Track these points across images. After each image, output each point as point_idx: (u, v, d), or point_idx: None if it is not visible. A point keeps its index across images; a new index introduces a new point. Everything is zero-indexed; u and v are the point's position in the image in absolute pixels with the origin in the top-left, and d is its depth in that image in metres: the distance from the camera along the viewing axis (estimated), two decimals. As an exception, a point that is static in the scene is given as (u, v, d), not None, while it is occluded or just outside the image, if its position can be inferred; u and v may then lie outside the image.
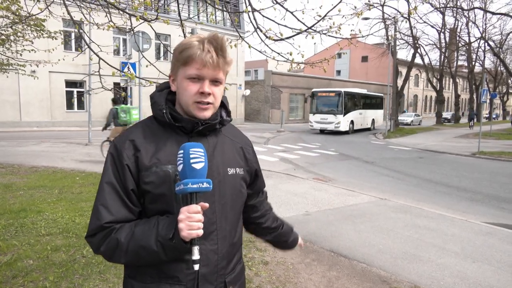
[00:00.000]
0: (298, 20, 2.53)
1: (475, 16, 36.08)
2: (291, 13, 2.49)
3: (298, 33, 2.44)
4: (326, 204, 6.53)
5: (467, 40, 36.87)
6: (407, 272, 3.88)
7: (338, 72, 53.74)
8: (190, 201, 1.04)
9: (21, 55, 7.96)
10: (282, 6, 2.41)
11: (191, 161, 1.03)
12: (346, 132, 23.94)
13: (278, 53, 2.62)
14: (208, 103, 1.15)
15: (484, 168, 11.54)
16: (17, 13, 6.18)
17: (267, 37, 2.46)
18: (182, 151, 1.05)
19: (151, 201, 1.14)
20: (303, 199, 6.84)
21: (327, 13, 2.31)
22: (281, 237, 1.58)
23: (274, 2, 2.48)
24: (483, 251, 4.51)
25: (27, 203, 5.51)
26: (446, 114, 45.76)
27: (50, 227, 4.47)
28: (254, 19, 2.39)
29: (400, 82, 31.85)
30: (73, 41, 21.53)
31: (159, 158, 1.14)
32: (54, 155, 11.04)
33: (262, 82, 35.62)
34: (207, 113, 1.17)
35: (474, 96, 41.36)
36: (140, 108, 12.38)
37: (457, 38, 36.61)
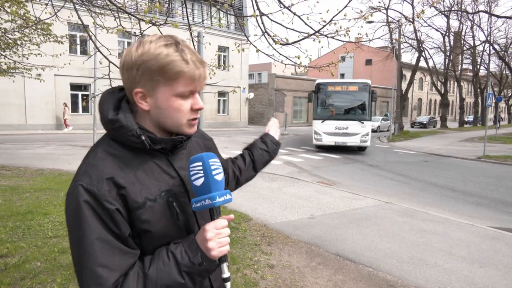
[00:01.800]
0: (306, 24, 2.54)
1: (480, 19, 35.98)
2: (299, 17, 2.50)
3: (305, 37, 2.46)
4: (331, 208, 6.51)
5: (472, 44, 36.79)
6: (413, 277, 3.86)
7: (342, 75, 53.72)
8: (212, 217, 0.97)
9: (27, 58, 8.05)
10: (290, 10, 2.43)
11: (213, 172, 0.96)
12: (363, 148, 15.91)
13: (286, 57, 2.64)
14: (196, 117, 1.05)
15: (490, 172, 11.47)
16: (24, 17, 6.25)
17: (275, 41, 2.48)
18: (200, 163, 0.96)
19: (152, 240, 0.98)
20: (308, 203, 6.83)
21: (333, 18, 2.33)
22: (259, 157, 1.54)
23: (282, 6, 2.50)
24: (490, 256, 4.48)
25: (34, 205, 5.55)
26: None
27: (57, 229, 4.49)
28: (262, 23, 2.41)
29: (404, 85, 31.83)
30: (78, 45, 21.69)
31: (148, 190, 0.97)
32: (60, 158, 11.10)
33: (266, 85, 35.69)
34: (196, 127, 1.08)
35: (479, 100, 41.18)
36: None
37: (462, 41, 36.55)
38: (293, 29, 2.50)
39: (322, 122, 15.18)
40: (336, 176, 10.16)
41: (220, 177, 0.97)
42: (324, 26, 2.36)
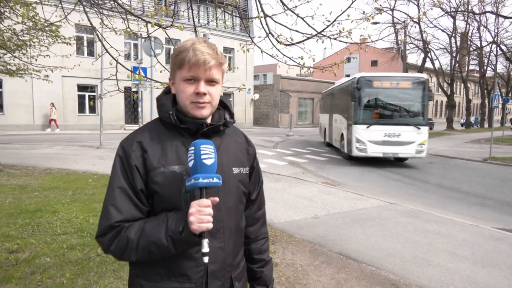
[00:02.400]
0: (309, 25, 2.60)
1: (486, 20, 35.68)
2: (302, 18, 2.56)
3: (308, 38, 2.51)
4: (335, 208, 6.55)
5: (479, 45, 36.53)
6: (416, 276, 3.89)
7: (347, 76, 53.59)
8: (200, 196, 1.08)
9: (36, 60, 8.19)
10: (293, 12, 2.49)
11: (202, 157, 1.07)
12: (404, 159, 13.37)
13: (290, 58, 2.69)
14: (204, 102, 1.19)
15: (496, 174, 11.41)
16: (33, 20, 6.38)
17: (278, 42, 2.53)
18: (193, 148, 1.09)
19: (159, 201, 1.17)
20: (312, 203, 6.87)
21: (336, 19, 2.38)
22: (254, 277, 1.46)
23: (286, 8, 2.56)
24: (493, 257, 4.49)
25: (43, 203, 5.65)
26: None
27: (65, 227, 4.59)
28: (266, 24, 2.47)
29: (410, 86, 31.62)
30: (85, 47, 21.92)
31: (166, 159, 1.17)
32: (67, 158, 11.25)
33: (271, 86, 35.75)
34: (205, 112, 1.21)
35: (486, 101, 40.88)
36: (151, 112, 12.57)
37: (468, 42, 36.31)
38: (296, 31, 2.55)
39: (367, 127, 11.69)
40: (341, 177, 10.18)
41: (209, 162, 1.08)
42: (327, 27, 2.42)
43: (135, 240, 1.10)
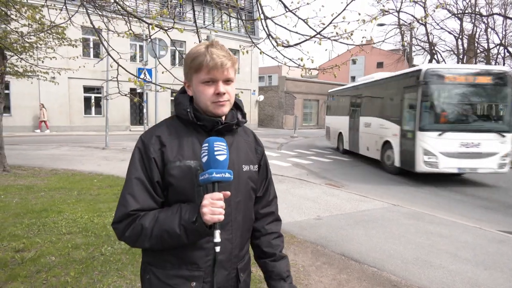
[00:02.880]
0: (310, 27, 2.63)
1: (494, 22, 35.29)
2: (303, 20, 2.59)
3: (305, 40, 2.54)
4: (338, 209, 6.56)
5: (486, 47, 36.22)
6: (417, 278, 3.90)
7: (353, 78, 53.47)
8: (213, 190, 1.15)
9: (42, 62, 8.30)
10: (294, 14, 2.52)
11: (215, 153, 1.14)
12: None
13: (290, 59, 2.73)
14: (224, 100, 1.28)
15: (501, 176, 11.31)
16: (40, 22, 6.48)
17: (277, 43, 2.57)
18: (206, 144, 1.16)
19: (173, 193, 1.25)
20: (315, 204, 6.89)
21: (332, 20, 2.42)
22: (267, 271, 1.48)
23: (287, 9, 2.59)
24: (495, 259, 4.48)
25: (48, 203, 5.73)
26: None
27: (70, 226, 4.65)
28: (266, 26, 2.51)
29: (415, 88, 31.44)
30: (91, 48, 22.12)
31: (182, 153, 1.25)
32: (73, 159, 11.36)
33: (276, 87, 35.78)
34: (225, 109, 1.30)
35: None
36: (156, 113, 12.65)
37: (476, 44, 36.06)
38: (296, 32, 2.59)
39: (439, 135, 9.06)
40: (345, 178, 10.18)
41: (222, 157, 1.15)
42: (323, 29, 2.45)
43: (149, 228, 1.17)
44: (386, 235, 5.21)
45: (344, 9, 2.34)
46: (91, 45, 22.03)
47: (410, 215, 6.30)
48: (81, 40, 8.27)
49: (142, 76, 11.99)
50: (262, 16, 2.51)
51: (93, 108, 23.20)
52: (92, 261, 3.61)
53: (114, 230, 1.24)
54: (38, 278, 3.21)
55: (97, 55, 22.28)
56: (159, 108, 24.32)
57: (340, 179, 9.97)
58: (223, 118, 1.34)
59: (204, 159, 1.16)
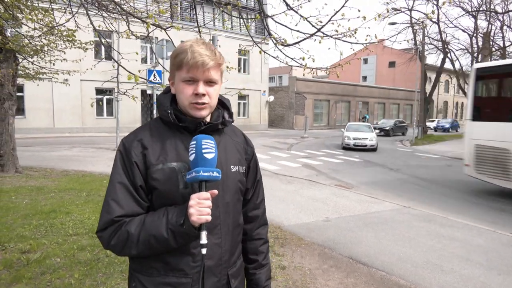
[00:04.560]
0: (312, 25, 2.57)
1: (510, 19, 34.57)
2: (305, 18, 2.53)
3: (305, 38, 2.48)
4: (347, 211, 6.46)
5: (502, 45, 35.43)
6: (428, 282, 3.79)
7: (364, 77, 52.97)
8: (200, 189, 1.11)
9: (53, 64, 8.41)
10: (296, 12, 2.47)
11: (203, 151, 1.10)
12: None
13: (292, 58, 2.67)
14: (204, 103, 1.21)
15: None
16: (50, 25, 6.55)
17: (277, 41, 2.51)
18: (194, 142, 1.12)
19: (158, 197, 1.20)
20: (324, 205, 6.80)
21: (331, 17, 2.35)
22: (247, 279, 1.46)
23: (289, 7, 2.54)
24: (510, 263, 4.33)
25: (57, 204, 5.78)
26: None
27: (77, 228, 4.67)
28: (267, 24, 2.45)
29: (428, 88, 31.02)
30: (103, 51, 22.39)
31: (165, 156, 1.20)
32: (84, 160, 11.49)
33: (286, 88, 35.65)
34: (203, 112, 1.23)
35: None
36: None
37: (491, 42, 35.29)
38: (298, 31, 2.53)
39: None
40: (355, 179, 10.04)
41: (210, 156, 1.11)
42: (323, 25, 2.38)
43: (136, 234, 1.12)
44: (396, 238, 5.10)
45: (343, 6, 2.27)
46: (102, 47, 22.28)
47: (421, 217, 6.16)
48: (91, 43, 8.32)
49: (151, 78, 12.07)
50: (262, 15, 2.46)
51: (105, 110, 23.46)
52: (96, 263, 3.61)
53: (99, 239, 1.18)
54: (42, 280, 3.22)
55: (109, 58, 22.55)
56: (170, 109, 24.39)
57: (350, 180, 9.84)
58: (208, 118, 1.29)
59: (192, 157, 1.12)
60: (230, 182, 1.29)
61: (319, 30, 2.38)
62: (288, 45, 2.52)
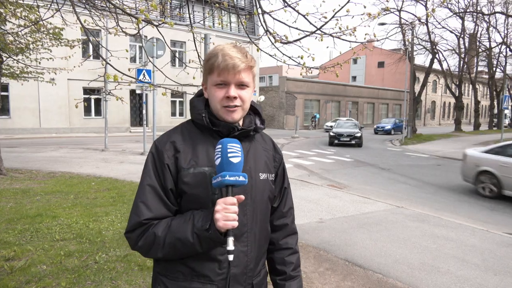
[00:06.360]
0: (310, 23, 2.48)
1: (496, 21, 35.18)
2: (303, 16, 2.44)
3: (306, 36, 2.39)
4: (341, 212, 6.40)
5: (488, 46, 36.01)
6: (425, 284, 3.74)
7: (354, 77, 53.32)
8: (226, 194, 1.08)
9: (39, 63, 8.17)
10: (293, 8, 2.37)
11: (229, 155, 1.08)
12: None
13: (289, 57, 2.58)
14: (235, 106, 1.20)
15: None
16: (35, 22, 6.35)
17: (276, 40, 2.42)
18: (220, 146, 1.10)
19: (187, 201, 1.18)
20: (317, 206, 6.73)
21: (335, 14, 2.26)
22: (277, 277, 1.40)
23: (285, 4, 2.44)
24: (505, 263, 4.31)
25: (43, 208, 5.59)
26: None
27: (64, 232, 4.50)
28: (264, 21, 2.36)
29: (417, 88, 31.30)
30: (91, 50, 22.02)
31: (196, 160, 1.18)
32: (72, 161, 11.23)
33: (277, 88, 35.65)
34: (235, 115, 1.22)
35: (495, 103, 40.31)
36: (154, 114, 12.50)
37: (477, 43, 35.83)
38: (296, 28, 2.44)
39: None
40: (347, 179, 10.02)
41: (235, 160, 1.08)
42: (325, 23, 2.30)
43: (162, 237, 1.12)
44: (391, 239, 5.06)
45: (348, 1, 2.19)
46: (90, 46, 21.91)
47: (414, 217, 6.14)
48: (78, 41, 8.10)
49: (141, 77, 11.87)
50: (259, 11, 2.36)
51: (93, 110, 23.09)
52: (85, 270, 3.46)
53: (127, 240, 1.18)
54: (27, 288, 3.06)
55: (97, 56, 22.19)
56: (160, 109, 24.25)
57: (342, 180, 9.81)
58: (240, 123, 1.27)
59: (217, 162, 1.10)
60: (258, 190, 1.27)
61: (321, 26, 2.29)
62: (289, 43, 2.42)
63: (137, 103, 24.92)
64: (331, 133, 19.94)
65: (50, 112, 21.06)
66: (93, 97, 22.47)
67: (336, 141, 19.39)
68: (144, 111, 13.37)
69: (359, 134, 19.34)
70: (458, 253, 4.59)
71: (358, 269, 4.07)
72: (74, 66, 9.38)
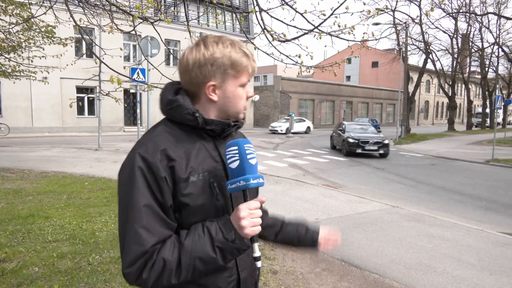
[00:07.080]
0: (308, 21, 2.45)
1: (488, 21, 35.43)
2: (301, 14, 2.41)
3: (305, 33, 2.36)
4: (336, 211, 6.39)
5: (480, 46, 36.35)
6: (421, 284, 3.73)
7: (348, 77, 53.51)
8: (244, 198, 1.03)
9: (31, 61, 8.04)
10: (291, 6, 2.34)
11: (248, 156, 1.02)
12: None
13: (287, 56, 2.54)
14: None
15: (499, 176, 11.24)
16: (27, 19, 6.25)
17: (273, 38, 2.39)
18: (236, 148, 1.04)
19: (189, 214, 1.05)
20: (313, 206, 6.71)
21: (334, 11, 2.23)
22: (289, 234, 1.44)
23: (283, 2, 2.41)
24: (501, 263, 4.33)
25: (36, 208, 5.50)
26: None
27: (57, 234, 4.43)
28: (262, 19, 2.32)
29: (411, 88, 31.47)
30: (84, 48, 21.82)
31: (193, 166, 1.05)
32: (65, 160, 11.10)
33: (271, 87, 35.64)
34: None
35: (487, 103, 40.71)
36: (148, 113, 12.40)
37: (470, 43, 36.13)
38: (294, 26, 2.41)
39: None
40: (342, 179, 10.03)
41: (254, 161, 1.04)
42: (323, 21, 2.27)
43: (174, 260, 0.97)
44: (387, 239, 5.05)
45: (345, 1, 2.15)
46: (84, 44, 21.71)
47: (410, 217, 6.15)
48: (71, 39, 7.99)
49: (135, 76, 11.76)
50: (257, 9, 2.32)
51: (86, 109, 22.88)
52: (78, 272, 3.40)
53: (127, 276, 0.98)
54: (18, 291, 3.00)
55: (90, 55, 21.99)
56: (154, 108, 24.09)
57: (337, 180, 9.81)
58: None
59: (234, 165, 1.02)
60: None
61: (320, 24, 2.26)
62: (287, 41, 2.39)
63: (131, 102, 24.75)
64: (350, 140, 14.93)
65: (42, 111, 20.83)
66: (87, 96, 22.28)
67: (359, 150, 14.75)
68: (138, 110, 13.26)
69: (387, 141, 15.23)
70: (454, 253, 4.59)
71: (355, 269, 4.05)
72: (67, 65, 9.27)
